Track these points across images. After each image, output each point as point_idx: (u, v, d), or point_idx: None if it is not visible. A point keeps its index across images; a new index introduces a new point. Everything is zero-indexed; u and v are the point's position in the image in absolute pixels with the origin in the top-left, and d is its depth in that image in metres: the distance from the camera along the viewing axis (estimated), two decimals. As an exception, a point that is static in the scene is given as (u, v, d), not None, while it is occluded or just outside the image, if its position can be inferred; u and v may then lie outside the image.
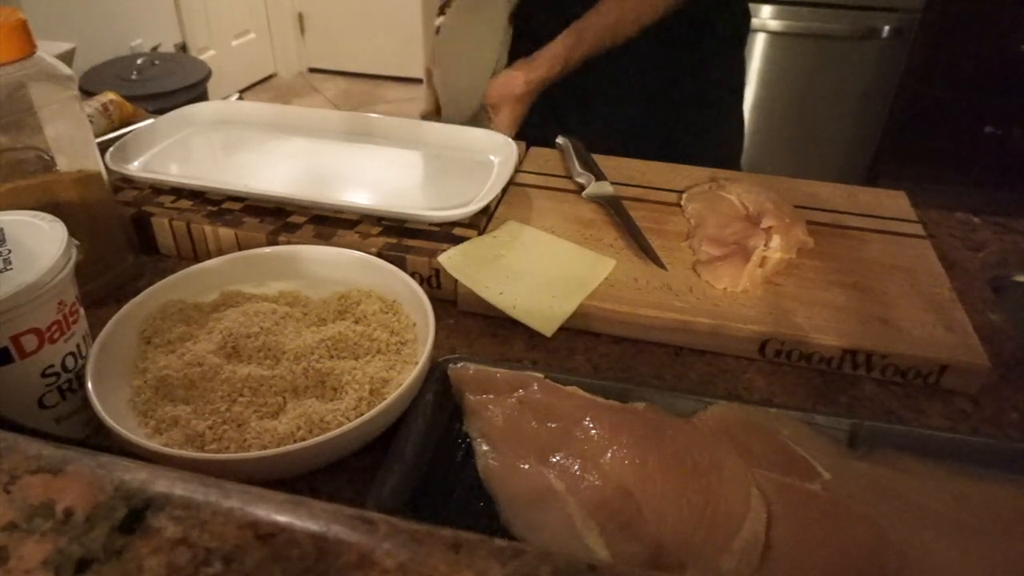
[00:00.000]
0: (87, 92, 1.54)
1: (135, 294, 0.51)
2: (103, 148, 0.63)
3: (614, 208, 0.68)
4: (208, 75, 2.40)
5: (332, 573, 0.24)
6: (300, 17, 3.56)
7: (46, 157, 0.53)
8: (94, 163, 0.57)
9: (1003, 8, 1.96)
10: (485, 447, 0.45)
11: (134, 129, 0.79)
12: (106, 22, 2.54)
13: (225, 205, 0.67)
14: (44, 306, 0.42)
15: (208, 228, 0.64)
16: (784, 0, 2.02)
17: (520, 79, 0.83)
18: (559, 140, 0.80)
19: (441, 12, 0.95)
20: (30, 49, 0.50)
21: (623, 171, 0.77)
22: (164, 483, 0.27)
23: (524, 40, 0.96)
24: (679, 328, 0.56)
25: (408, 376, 0.45)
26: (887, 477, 0.43)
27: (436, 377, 0.48)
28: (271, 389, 0.46)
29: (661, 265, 0.61)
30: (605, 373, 0.55)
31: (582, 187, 0.72)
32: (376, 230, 0.64)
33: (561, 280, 0.59)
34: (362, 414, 0.43)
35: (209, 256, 0.62)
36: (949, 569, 0.38)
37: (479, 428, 0.46)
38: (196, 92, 2.32)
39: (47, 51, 0.52)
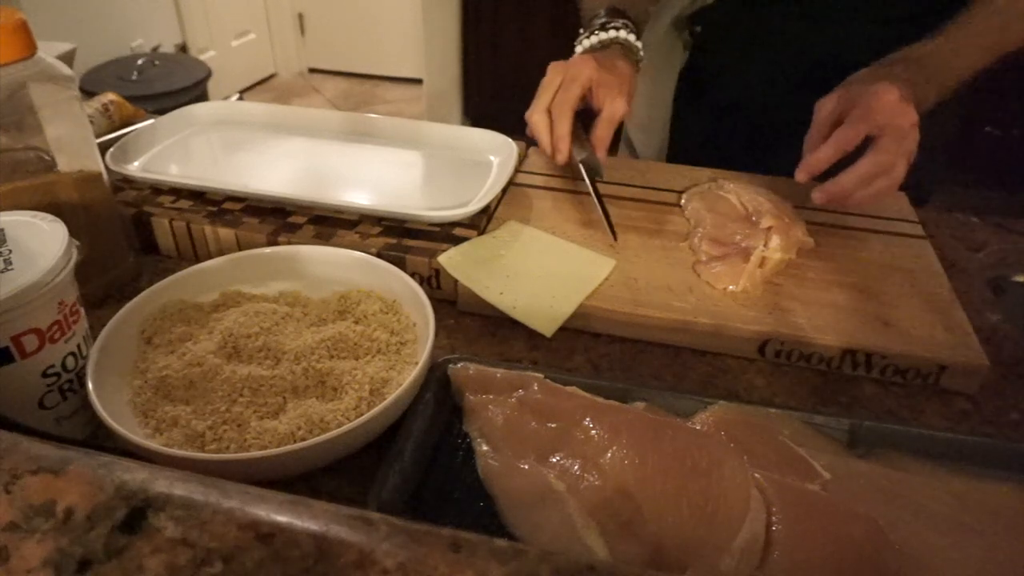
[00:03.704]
0: (87, 92, 1.54)
1: (135, 294, 0.51)
2: (103, 148, 0.63)
3: (589, 177, 0.69)
4: (208, 75, 2.40)
5: (332, 573, 0.24)
6: (300, 17, 3.56)
7: (46, 157, 0.53)
8: (94, 163, 0.57)
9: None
10: (485, 447, 0.45)
11: (134, 129, 0.79)
12: (106, 22, 2.54)
13: (225, 205, 0.67)
14: (45, 306, 0.42)
15: (208, 228, 0.64)
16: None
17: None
18: None
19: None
20: (30, 50, 0.50)
21: (623, 171, 0.77)
22: (164, 483, 0.27)
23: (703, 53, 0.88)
24: (679, 328, 0.56)
25: (408, 376, 0.45)
26: (887, 477, 0.43)
27: (436, 377, 0.48)
28: (271, 389, 0.46)
29: (613, 235, 0.63)
30: (605, 373, 0.55)
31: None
32: (376, 230, 0.64)
33: (561, 280, 0.59)
34: (362, 414, 0.43)
35: (209, 256, 0.62)
36: (949, 569, 0.38)
37: (479, 428, 0.46)
38: (196, 92, 2.33)
39: (47, 51, 0.52)
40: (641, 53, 0.77)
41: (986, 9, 0.68)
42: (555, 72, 0.71)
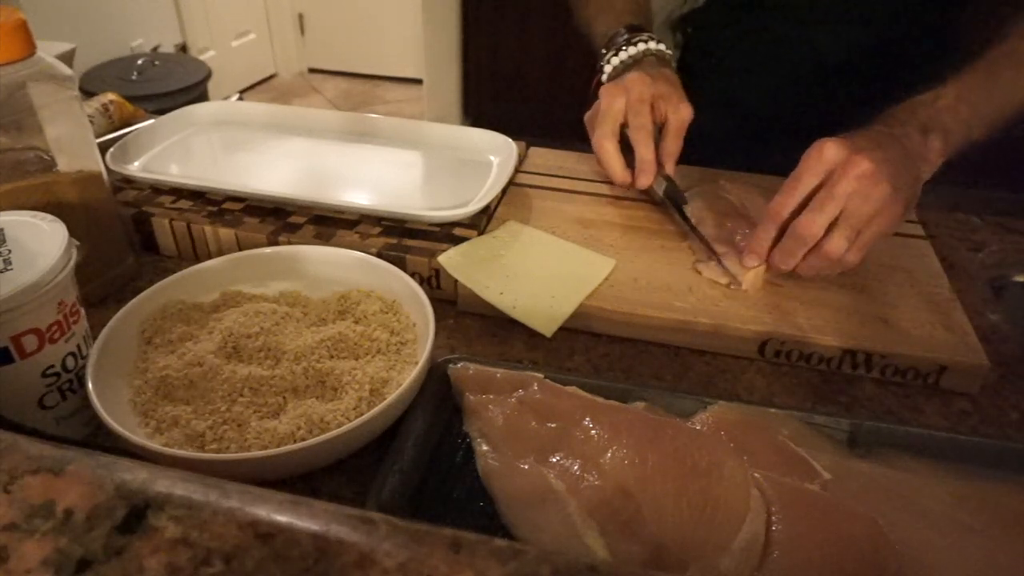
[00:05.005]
0: (87, 92, 1.54)
1: (135, 294, 0.51)
2: (103, 148, 0.63)
3: (680, 211, 0.67)
4: (208, 75, 2.40)
5: (332, 573, 0.24)
6: (300, 17, 3.56)
7: (46, 157, 0.53)
8: (94, 163, 0.57)
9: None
10: (485, 447, 0.45)
11: (134, 129, 0.79)
12: (106, 22, 2.54)
13: (225, 205, 0.67)
14: (44, 306, 0.42)
15: (208, 228, 0.64)
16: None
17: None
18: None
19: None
20: (30, 49, 0.50)
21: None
22: (164, 483, 0.27)
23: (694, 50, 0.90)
24: (679, 328, 0.56)
25: (408, 376, 0.45)
26: (887, 477, 0.43)
27: (436, 377, 0.48)
28: (271, 389, 0.46)
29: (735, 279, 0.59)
30: (605, 373, 0.55)
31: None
32: (376, 230, 0.64)
33: (561, 280, 0.59)
34: (362, 414, 0.43)
35: (209, 256, 0.62)
36: (949, 569, 0.38)
37: (479, 428, 0.46)
38: (196, 92, 2.33)
39: (47, 51, 0.52)
40: (674, 62, 0.76)
41: (996, 51, 0.64)
42: (613, 95, 0.69)
